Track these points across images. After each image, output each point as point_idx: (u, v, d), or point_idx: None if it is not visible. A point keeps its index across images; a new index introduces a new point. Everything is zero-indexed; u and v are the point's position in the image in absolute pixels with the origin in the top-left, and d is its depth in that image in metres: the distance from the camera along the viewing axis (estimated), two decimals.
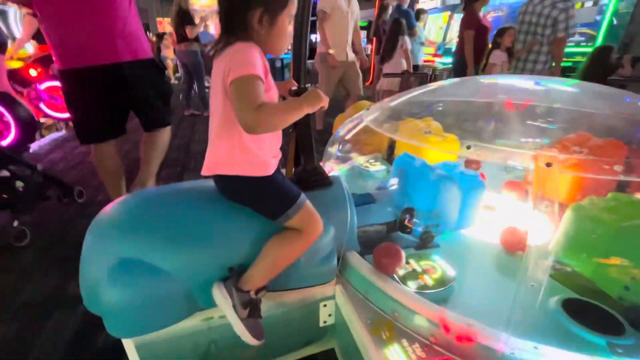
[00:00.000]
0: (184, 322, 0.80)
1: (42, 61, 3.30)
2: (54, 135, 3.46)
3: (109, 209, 0.81)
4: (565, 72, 3.17)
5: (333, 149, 1.37)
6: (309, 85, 0.85)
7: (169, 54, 7.98)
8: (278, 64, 7.45)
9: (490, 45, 3.38)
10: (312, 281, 0.88)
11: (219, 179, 0.78)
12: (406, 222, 0.97)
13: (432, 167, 1.07)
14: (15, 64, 3.17)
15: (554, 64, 3.01)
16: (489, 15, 5.28)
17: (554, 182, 0.67)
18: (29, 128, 2.58)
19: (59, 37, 1.42)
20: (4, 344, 1.09)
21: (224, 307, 0.74)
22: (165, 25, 10.48)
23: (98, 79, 1.43)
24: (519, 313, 0.71)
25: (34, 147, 3.02)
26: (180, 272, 0.74)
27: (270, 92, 0.74)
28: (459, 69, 3.62)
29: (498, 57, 3.24)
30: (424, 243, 0.98)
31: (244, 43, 0.68)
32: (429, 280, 0.85)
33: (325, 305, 0.95)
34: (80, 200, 2.03)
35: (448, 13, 6.50)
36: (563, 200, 0.98)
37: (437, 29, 7.32)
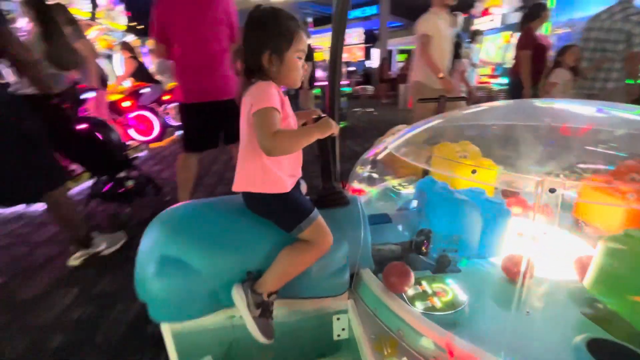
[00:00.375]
0: (211, 317, 0.92)
1: (133, 95, 4.02)
2: (139, 154, 4.12)
3: (162, 214, 0.99)
4: None
5: (360, 170, 1.43)
6: (324, 115, 0.95)
7: None
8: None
9: (550, 65, 3.17)
10: (323, 292, 0.94)
11: (245, 195, 0.92)
12: (422, 244, 0.99)
13: (453, 191, 1.07)
14: (114, 97, 3.91)
15: (628, 81, 2.70)
16: (555, 32, 4.94)
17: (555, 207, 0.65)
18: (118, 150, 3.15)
19: (190, 81, 1.97)
20: (79, 323, 1.34)
21: (239, 305, 0.84)
22: None
23: (213, 110, 1.97)
24: (531, 345, 0.69)
25: None
26: (209, 272, 0.87)
27: (287, 120, 0.86)
28: (514, 91, 3.43)
29: (560, 75, 3.01)
30: (440, 267, 0.98)
31: (262, 82, 0.82)
32: (437, 302, 0.85)
33: (338, 319, 1.00)
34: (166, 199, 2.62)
35: (509, 33, 6.21)
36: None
37: (497, 49, 7.02)
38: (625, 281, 0.76)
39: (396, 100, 9.07)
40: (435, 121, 1.54)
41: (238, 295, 0.85)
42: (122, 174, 2.37)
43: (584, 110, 1.40)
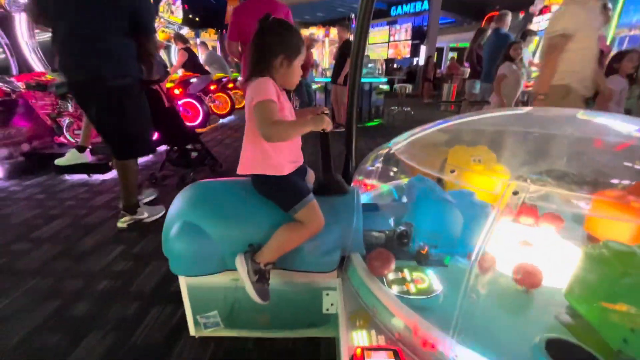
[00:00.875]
0: (218, 277, 1.10)
1: (183, 84, 4.41)
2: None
3: (186, 188, 1.18)
4: None
5: (367, 166, 1.52)
6: (326, 112, 1.06)
7: None
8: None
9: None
10: (314, 267, 1.06)
11: (251, 177, 1.07)
12: (403, 235, 1.06)
13: (439, 191, 1.13)
14: (167, 85, 4.32)
15: None
16: (618, 34, 4.47)
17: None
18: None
19: None
20: (120, 274, 1.60)
21: (240, 271, 1.00)
22: None
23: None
24: (495, 338, 0.75)
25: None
26: (218, 238, 1.04)
27: (282, 111, 0.99)
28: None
29: (616, 83, 2.78)
30: (419, 258, 1.05)
31: (262, 78, 0.95)
32: (412, 288, 0.93)
33: (327, 294, 1.12)
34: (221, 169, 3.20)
35: None
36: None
37: None
38: (596, 290, 0.79)
39: (439, 100, 8.78)
40: (456, 122, 1.57)
41: (240, 262, 1.00)
42: (189, 146, 2.98)
43: (624, 126, 1.33)
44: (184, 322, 1.18)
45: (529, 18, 7.45)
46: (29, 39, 3.77)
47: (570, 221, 1.30)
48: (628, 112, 2.87)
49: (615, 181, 1.23)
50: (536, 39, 5.31)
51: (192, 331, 1.19)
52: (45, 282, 1.55)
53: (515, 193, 0.72)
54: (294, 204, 0.98)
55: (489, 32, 4.35)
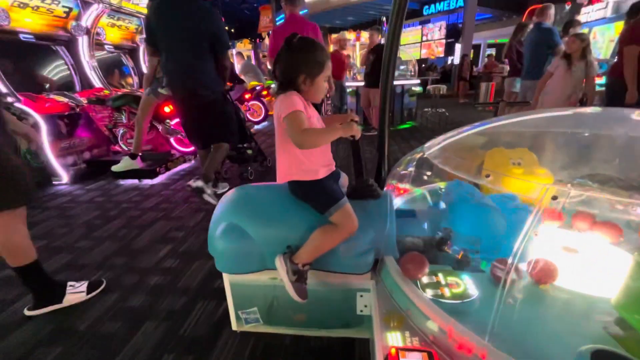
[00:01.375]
0: (258, 275, 1.17)
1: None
2: (182, 166, 3.79)
3: (231, 191, 1.28)
4: None
5: (400, 170, 1.53)
6: (356, 119, 1.10)
7: None
8: None
9: None
10: (347, 269, 1.10)
11: (288, 183, 1.13)
12: (443, 242, 1.06)
13: (478, 196, 1.11)
14: None
15: None
16: None
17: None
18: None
19: None
20: (169, 271, 1.75)
21: (280, 272, 1.06)
22: None
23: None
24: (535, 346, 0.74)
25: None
26: (259, 240, 1.12)
27: (310, 119, 1.04)
28: (613, 92, 2.96)
29: None
30: (459, 264, 1.04)
31: (289, 92, 1.01)
32: (447, 292, 0.93)
33: (361, 296, 1.15)
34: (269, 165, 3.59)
35: (622, 23, 5.23)
36: None
37: (608, 42, 5.97)
38: None
39: (476, 99, 8.41)
40: (494, 124, 1.53)
41: (279, 263, 1.07)
42: (245, 144, 3.32)
43: None
44: (226, 317, 1.28)
45: (576, 9, 6.93)
46: (90, 59, 4.22)
47: (624, 227, 1.21)
48: None
49: None
50: (585, 29, 4.94)
51: (234, 326, 1.28)
52: (105, 276, 1.74)
53: (554, 198, 0.71)
54: (329, 207, 1.03)
55: (530, 26, 4.12)
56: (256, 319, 1.25)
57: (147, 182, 3.28)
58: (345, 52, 5.66)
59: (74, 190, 3.14)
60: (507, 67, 4.86)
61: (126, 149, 3.64)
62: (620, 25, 5.35)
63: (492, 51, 12.90)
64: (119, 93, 3.55)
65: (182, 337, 1.30)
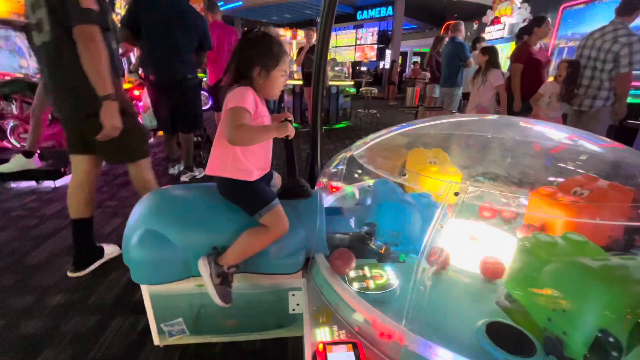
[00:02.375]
0: (183, 284, 1.09)
1: (142, 85, 4.22)
2: None
3: (148, 194, 1.16)
4: (632, 111, 2.86)
5: (331, 168, 1.58)
6: (290, 119, 1.11)
7: None
8: None
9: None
10: (278, 270, 1.09)
11: (217, 180, 1.08)
12: (367, 236, 1.13)
13: (399, 192, 1.21)
14: (126, 86, 4.11)
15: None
16: (559, 45, 4.97)
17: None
18: None
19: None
20: (77, 286, 1.52)
21: (203, 274, 1.00)
22: None
23: None
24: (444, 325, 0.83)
25: None
26: (181, 244, 1.04)
27: (259, 119, 1.02)
28: (508, 103, 3.51)
29: (548, 88, 3.07)
30: (382, 257, 1.12)
31: (243, 87, 0.98)
32: (372, 284, 1.00)
33: (293, 295, 1.15)
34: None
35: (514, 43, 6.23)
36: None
37: (505, 59, 7.02)
38: (526, 276, 0.90)
39: (403, 103, 9.15)
40: (416, 126, 1.68)
41: (203, 265, 1.01)
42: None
43: (556, 133, 1.48)
44: (147, 331, 1.16)
45: (482, 27, 8.01)
46: None
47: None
48: (565, 116, 3.20)
49: (547, 180, 1.40)
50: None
51: (157, 340, 1.17)
52: None
53: (456, 194, 0.81)
54: (260, 209, 1.00)
55: (446, 39, 4.64)
56: (181, 330, 1.16)
57: (49, 184, 2.80)
58: None
59: None
60: (429, 75, 5.40)
61: (18, 145, 3.05)
62: (513, 45, 6.35)
63: (418, 59, 14.14)
64: (8, 78, 2.94)
65: None
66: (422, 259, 0.80)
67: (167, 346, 1.18)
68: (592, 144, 1.30)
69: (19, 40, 4.27)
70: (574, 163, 1.36)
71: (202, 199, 1.12)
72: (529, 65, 3.20)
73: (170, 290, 1.09)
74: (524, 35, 3.35)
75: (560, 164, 1.40)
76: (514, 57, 3.29)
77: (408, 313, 0.80)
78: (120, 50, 3.53)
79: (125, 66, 4.30)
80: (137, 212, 1.10)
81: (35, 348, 1.19)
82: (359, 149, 1.42)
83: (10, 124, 3.01)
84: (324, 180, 1.56)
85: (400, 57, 12.13)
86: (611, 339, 0.68)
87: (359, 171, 1.86)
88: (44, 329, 1.28)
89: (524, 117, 3.23)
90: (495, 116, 2.10)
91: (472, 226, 1.38)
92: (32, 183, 2.79)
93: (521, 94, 3.26)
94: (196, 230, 1.06)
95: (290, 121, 1.09)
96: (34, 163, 2.72)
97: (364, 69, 14.02)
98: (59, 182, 2.83)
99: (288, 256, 1.09)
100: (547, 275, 0.83)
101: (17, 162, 2.65)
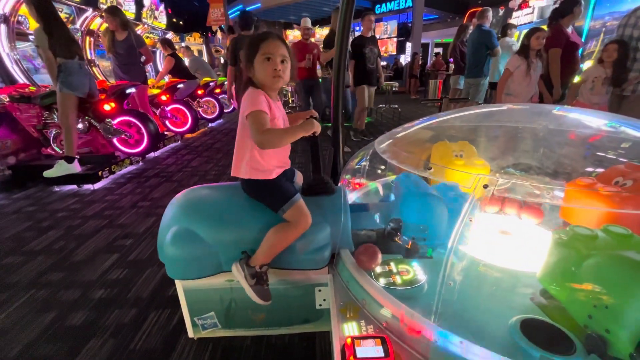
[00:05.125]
0: (214, 279, 1.13)
1: (170, 90, 4.40)
2: (173, 145, 4.52)
3: (181, 193, 1.21)
4: None
5: (354, 165, 1.58)
6: (315, 116, 1.11)
7: None
8: None
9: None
10: (305, 265, 1.11)
11: (241, 181, 1.11)
12: (394, 232, 1.12)
13: (423, 185, 1.19)
14: (154, 91, 4.30)
15: None
16: (595, 27, 4.63)
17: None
18: (156, 140, 3.53)
19: None
20: (116, 282, 1.62)
21: (239, 278, 1.04)
22: None
23: None
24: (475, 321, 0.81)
25: (156, 153, 4.03)
26: (212, 241, 1.08)
27: (274, 120, 1.03)
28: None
29: (592, 72, 2.86)
30: (409, 252, 1.10)
31: (253, 90, 1.00)
32: (398, 279, 0.99)
33: (320, 290, 1.16)
34: None
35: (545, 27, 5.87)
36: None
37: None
38: (563, 271, 0.85)
39: (425, 96, 8.90)
40: (440, 119, 1.63)
41: (236, 270, 1.05)
42: None
43: (594, 120, 1.39)
44: (182, 325, 1.22)
45: (508, 13, 7.62)
46: (10, 50, 3.72)
47: (549, 210, 1.37)
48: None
49: (585, 170, 1.31)
50: (517, 32, 5.45)
51: (191, 333, 1.22)
52: (40, 294, 1.56)
53: (485, 186, 0.78)
54: (282, 204, 1.02)
55: (471, 28, 4.45)
56: (214, 324, 1.21)
57: (88, 187, 3.00)
58: (313, 41, 4.62)
59: None
60: (452, 66, 5.21)
61: (60, 151, 3.28)
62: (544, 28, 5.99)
63: (440, 50, 13.70)
64: (49, 89, 3.16)
65: (133, 351, 1.22)
66: (449, 253, 0.78)
67: (200, 339, 1.24)
68: (636, 130, 1.21)
69: None
70: (615, 152, 1.27)
71: (230, 198, 1.16)
72: (565, 50, 3.01)
73: (203, 285, 1.14)
74: (558, 18, 3.15)
75: (599, 153, 1.31)
76: (551, 42, 3.08)
77: (437, 308, 0.78)
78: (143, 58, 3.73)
79: None
80: (171, 211, 1.15)
81: (82, 338, 1.28)
82: (381, 144, 1.41)
83: (53, 132, 3.24)
84: (346, 177, 1.56)
85: (421, 49, 11.80)
86: None
87: (382, 167, 1.84)
88: (88, 320, 1.38)
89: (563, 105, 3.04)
90: (526, 105, 1.99)
91: (505, 220, 1.33)
92: (74, 186, 2.99)
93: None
94: (225, 227, 1.10)
95: (316, 118, 1.10)
96: (75, 167, 2.92)
97: (383, 63, 13.77)
98: (97, 185, 3.02)
99: (313, 252, 1.11)
100: (588, 269, 0.79)
101: (60, 167, 2.86)
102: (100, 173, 3.03)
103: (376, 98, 4.86)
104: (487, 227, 1.26)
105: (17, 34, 3.80)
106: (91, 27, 5.36)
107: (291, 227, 1.03)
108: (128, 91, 3.40)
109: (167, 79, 4.81)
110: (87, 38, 5.17)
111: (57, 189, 2.98)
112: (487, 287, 1.00)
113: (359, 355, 0.76)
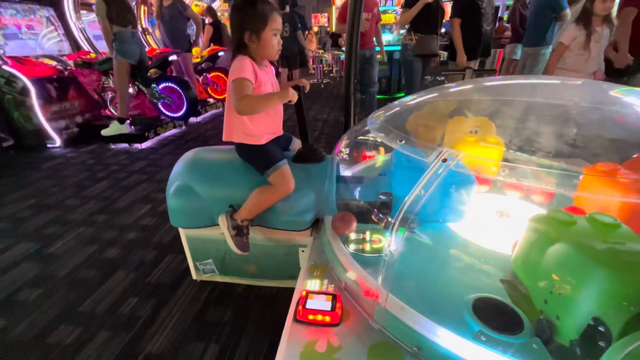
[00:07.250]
0: (210, 230, 1.27)
1: (211, 58, 4.58)
2: (214, 111, 4.78)
3: (185, 155, 1.35)
4: None
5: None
6: (301, 85, 1.13)
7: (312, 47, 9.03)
8: None
9: None
10: (287, 226, 1.19)
11: (234, 144, 1.19)
12: (384, 205, 1.13)
13: (413, 160, 1.16)
14: (196, 60, 4.53)
15: None
16: None
17: None
18: (194, 105, 3.77)
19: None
20: (146, 227, 1.89)
21: (222, 227, 1.16)
22: (321, 20, 11.96)
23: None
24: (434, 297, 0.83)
25: (198, 119, 4.33)
26: (207, 198, 1.21)
27: (261, 87, 1.07)
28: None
29: None
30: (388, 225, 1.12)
31: (241, 56, 1.04)
32: (368, 247, 1.02)
33: (302, 251, 1.25)
34: None
35: None
36: None
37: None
38: (529, 256, 0.82)
39: (482, 67, 8.06)
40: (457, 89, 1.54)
41: (221, 220, 1.17)
42: None
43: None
44: (190, 269, 1.41)
45: None
46: (76, 20, 4.16)
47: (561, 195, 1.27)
48: None
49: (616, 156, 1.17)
50: None
51: (194, 275, 1.41)
52: (88, 231, 1.88)
53: (444, 160, 0.76)
54: (267, 168, 1.10)
55: None
56: (212, 270, 1.38)
57: (137, 146, 3.38)
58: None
59: (67, 153, 3.26)
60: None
61: (115, 113, 3.69)
62: None
63: (505, 14, 12.06)
64: (106, 56, 3.52)
65: (148, 284, 1.45)
66: (396, 221, 0.79)
67: (202, 281, 1.42)
68: None
69: None
70: None
71: (226, 160, 1.27)
72: None
73: (202, 235, 1.29)
74: None
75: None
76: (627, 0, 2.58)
77: (387, 275, 0.81)
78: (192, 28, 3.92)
79: None
80: (176, 169, 1.30)
81: (112, 268, 1.55)
82: (379, 118, 1.38)
83: (109, 95, 3.65)
84: (344, 147, 1.57)
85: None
86: (602, 329, 0.61)
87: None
88: (119, 256, 1.65)
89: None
90: (557, 79, 1.76)
91: (507, 202, 1.27)
92: (126, 145, 3.40)
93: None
94: (217, 185, 1.22)
95: (299, 88, 1.12)
96: (127, 128, 3.29)
97: (442, 30, 12.57)
98: (144, 145, 3.39)
99: (296, 215, 1.18)
100: (549, 255, 0.75)
101: (114, 127, 3.25)
102: (146, 134, 3.39)
103: (430, 69, 4.31)
104: (486, 208, 1.22)
105: (81, 4, 4.20)
106: None
107: (273, 190, 1.10)
108: (170, 58, 3.64)
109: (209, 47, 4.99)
110: (142, 7, 5.47)
111: (112, 146, 3.41)
112: (461, 266, 0.99)
113: (307, 306, 0.84)
